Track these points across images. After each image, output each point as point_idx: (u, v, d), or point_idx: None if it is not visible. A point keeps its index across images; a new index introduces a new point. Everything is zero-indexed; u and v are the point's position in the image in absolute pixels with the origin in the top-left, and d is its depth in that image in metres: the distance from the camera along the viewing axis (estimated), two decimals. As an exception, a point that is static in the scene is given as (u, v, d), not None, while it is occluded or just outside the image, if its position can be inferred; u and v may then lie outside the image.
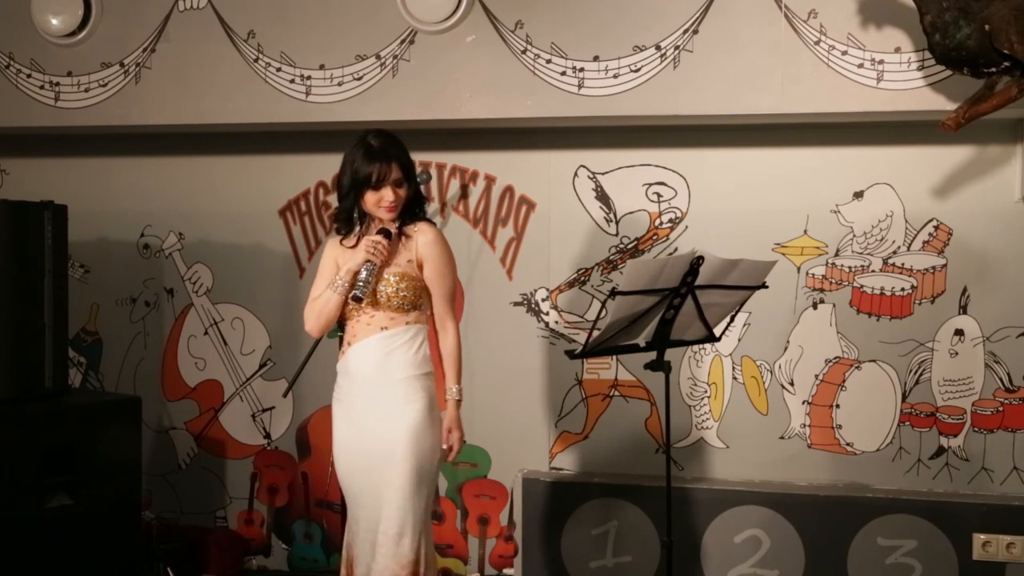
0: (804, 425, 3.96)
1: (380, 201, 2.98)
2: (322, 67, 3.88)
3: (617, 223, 4.07)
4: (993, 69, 3.04)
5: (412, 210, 3.07)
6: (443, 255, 3.06)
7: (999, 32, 2.93)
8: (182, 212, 4.50)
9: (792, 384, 3.97)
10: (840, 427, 3.94)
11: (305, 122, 3.94)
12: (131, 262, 4.58)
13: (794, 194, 3.91)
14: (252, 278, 4.45)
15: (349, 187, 3.01)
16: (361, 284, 2.96)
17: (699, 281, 2.91)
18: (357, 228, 3.09)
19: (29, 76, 4.19)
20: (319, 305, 3.06)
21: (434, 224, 3.12)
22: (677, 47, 3.59)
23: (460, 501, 4.26)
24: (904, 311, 3.87)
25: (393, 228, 3.02)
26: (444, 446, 3.06)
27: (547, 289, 4.15)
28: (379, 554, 2.96)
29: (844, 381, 3.93)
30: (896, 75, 3.43)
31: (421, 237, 3.04)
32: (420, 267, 3.04)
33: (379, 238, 2.97)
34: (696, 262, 2.85)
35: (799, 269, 3.93)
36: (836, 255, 3.90)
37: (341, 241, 3.09)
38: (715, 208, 3.97)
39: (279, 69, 3.92)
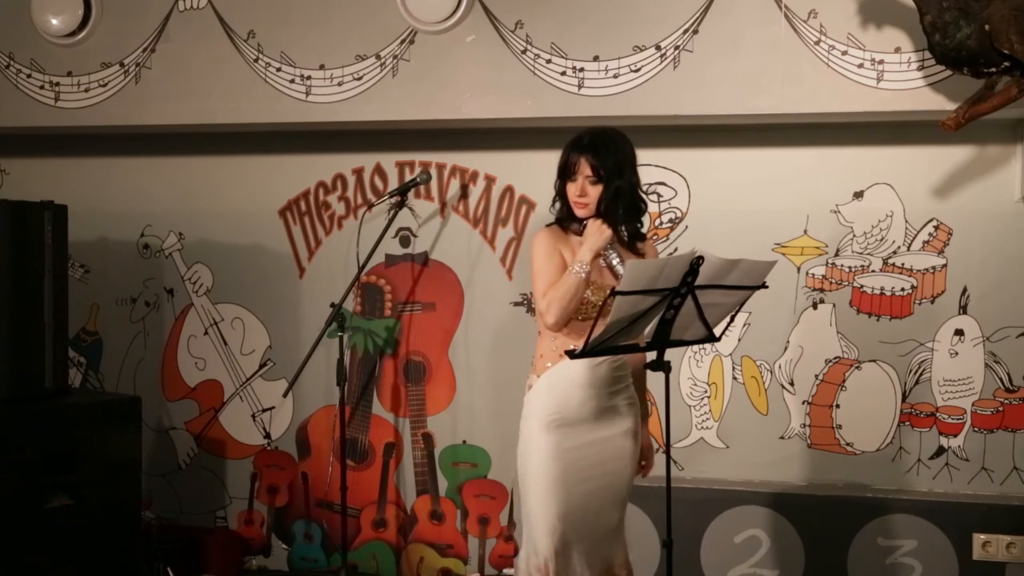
0: (804, 425, 3.96)
1: (570, 193, 2.89)
2: (322, 67, 3.88)
3: (617, 223, 4.07)
4: (993, 69, 3.04)
5: (624, 217, 2.92)
6: None
7: (999, 32, 2.93)
8: (182, 212, 4.50)
9: (792, 384, 3.97)
10: (840, 427, 3.94)
11: (305, 122, 3.94)
12: (131, 262, 4.58)
13: (794, 194, 3.91)
14: (252, 278, 4.45)
15: (557, 174, 2.90)
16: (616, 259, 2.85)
17: (699, 281, 2.89)
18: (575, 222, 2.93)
19: (29, 76, 4.19)
20: (566, 288, 2.83)
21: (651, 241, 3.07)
22: (677, 47, 3.59)
23: (460, 501, 4.25)
24: (904, 311, 3.87)
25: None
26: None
27: (547, 289, 4.14)
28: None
29: (844, 381, 3.93)
30: (896, 75, 3.43)
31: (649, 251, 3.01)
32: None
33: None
34: (696, 262, 2.84)
35: (799, 269, 3.93)
36: (836, 255, 3.90)
37: (567, 231, 2.93)
38: (715, 208, 3.97)
39: (279, 69, 3.92)
